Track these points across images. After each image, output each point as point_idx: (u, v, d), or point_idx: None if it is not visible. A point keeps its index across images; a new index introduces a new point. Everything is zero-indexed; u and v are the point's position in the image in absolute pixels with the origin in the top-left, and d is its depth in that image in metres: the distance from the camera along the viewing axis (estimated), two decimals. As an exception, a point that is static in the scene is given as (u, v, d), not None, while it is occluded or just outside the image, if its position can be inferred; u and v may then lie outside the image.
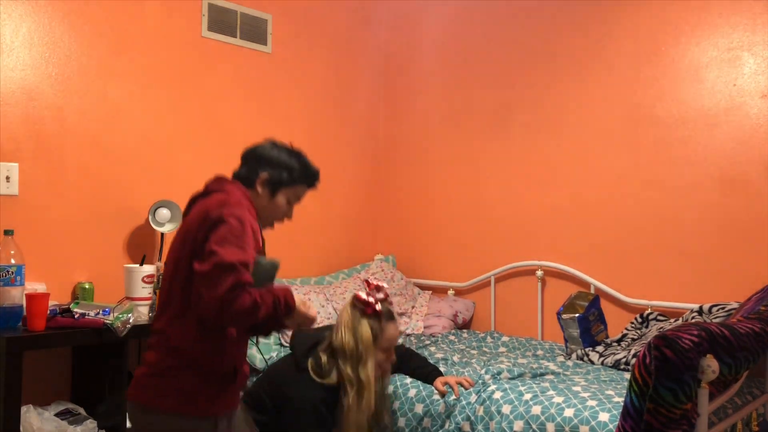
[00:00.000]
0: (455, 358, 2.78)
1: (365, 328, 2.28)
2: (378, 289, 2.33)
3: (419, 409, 2.41)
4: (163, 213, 2.87)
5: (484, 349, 3.12)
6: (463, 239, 3.71)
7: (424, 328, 3.35)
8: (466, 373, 2.49)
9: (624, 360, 2.65)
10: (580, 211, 3.28)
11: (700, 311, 2.68)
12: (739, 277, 2.78)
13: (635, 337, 2.87)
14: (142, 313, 2.62)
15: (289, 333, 2.61)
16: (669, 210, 3.02)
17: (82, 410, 2.50)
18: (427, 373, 2.49)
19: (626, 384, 1.83)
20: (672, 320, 2.87)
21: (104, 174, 2.85)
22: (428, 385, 2.45)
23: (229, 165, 2.00)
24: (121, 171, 2.90)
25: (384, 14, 4.09)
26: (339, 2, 3.85)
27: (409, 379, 2.51)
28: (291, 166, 1.94)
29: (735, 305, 2.60)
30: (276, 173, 1.92)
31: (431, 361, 2.63)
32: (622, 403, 1.66)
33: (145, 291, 2.66)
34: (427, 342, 3.13)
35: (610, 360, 2.70)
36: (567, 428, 2.07)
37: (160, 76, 3.03)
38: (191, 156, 3.09)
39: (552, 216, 3.37)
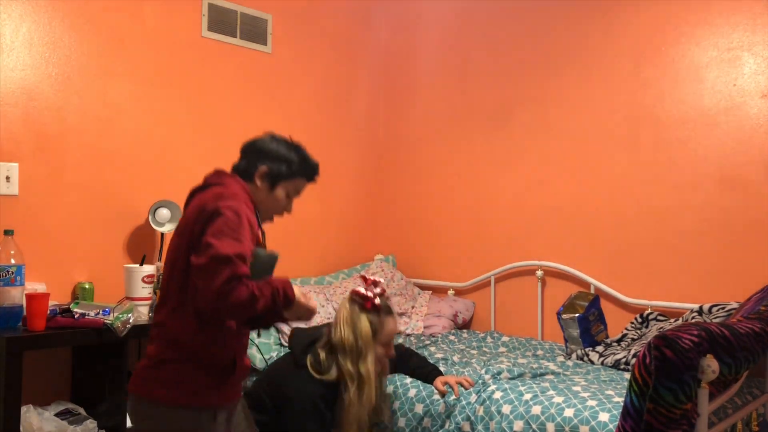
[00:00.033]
0: (455, 358, 2.78)
1: (364, 323, 2.29)
2: (375, 284, 2.34)
3: (419, 409, 2.41)
4: (163, 213, 2.87)
5: (484, 349, 3.12)
6: (463, 239, 3.71)
7: (424, 328, 3.35)
8: (466, 373, 2.49)
9: (624, 360, 2.65)
10: (580, 211, 3.28)
11: (700, 311, 2.68)
12: (739, 277, 2.78)
13: (635, 337, 2.87)
14: (142, 313, 2.62)
15: (289, 329, 2.63)
16: (669, 210, 3.02)
17: (82, 410, 2.50)
18: (426, 372, 2.50)
19: (626, 384, 1.83)
20: (672, 320, 2.87)
21: (104, 174, 2.85)
22: (428, 385, 2.45)
23: (229, 165, 2.00)
24: (121, 171, 2.90)
25: (384, 14, 4.09)
26: (339, 2, 3.85)
27: (409, 379, 2.51)
28: (290, 159, 1.93)
29: (735, 305, 2.60)
30: (275, 166, 1.92)
31: (431, 361, 2.63)
32: (622, 403, 1.66)
33: (145, 291, 2.66)
34: (427, 342, 3.13)
35: (610, 360, 2.70)
36: (567, 428, 2.07)
37: (160, 76, 3.03)
38: (191, 156, 3.09)
39: (552, 216, 3.37)
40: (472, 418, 2.27)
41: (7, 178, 2.57)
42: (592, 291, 3.16)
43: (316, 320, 2.85)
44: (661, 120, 3.06)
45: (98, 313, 2.41)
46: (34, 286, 2.49)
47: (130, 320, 2.41)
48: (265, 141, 1.96)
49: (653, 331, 2.83)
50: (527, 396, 2.23)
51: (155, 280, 2.70)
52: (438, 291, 3.75)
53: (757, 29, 2.83)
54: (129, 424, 2.45)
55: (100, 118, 2.84)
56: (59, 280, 2.68)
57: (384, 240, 4.03)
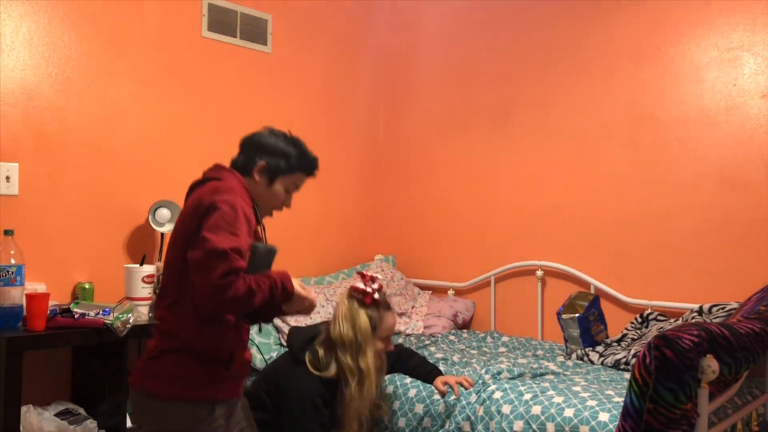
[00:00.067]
0: (455, 358, 2.78)
1: (363, 318, 2.30)
2: (373, 280, 2.36)
3: (419, 409, 2.41)
4: (163, 213, 2.87)
5: (484, 349, 3.12)
6: (463, 239, 3.71)
7: (424, 328, 3.35)
8: (466, 373, 2.49)
9: (624, 360, 2.65)
10: (580, 211, 3.28)
11: (700, 311, 2.68)
12: (739, 277, 2.78)
13: (635, 337, 2.87)
14: (142, 313, 2.62)
15: (289, 328, 2.64)
16: (669, 210, 3.02)
17: (82, 410, 2.50)
18: (426, 372, 2.50)
19: (626, 384, 1.83)
20: (672, 320, 2.87)
21: (104, 174, 2.85)
22: (428, 385, 2.45)
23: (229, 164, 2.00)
24: (121, 171, 2.90)
25: (384, 14, 4.09)
26: (339, 2, 3.85)
27: (409, 379, 2.51)
28: (288, 153, 1.93)
29: (735, 305, 2.60)
30: (273, 161, 1.91)
31: (431, 361, 2.63)
32: (622, 403, 1.66)
33: (145, 291, 2.65)
34: (427, 342, 3.13)
35: (610, 360, 2.70)
36: (567, 428, 2.07)
37: (160, 76, 3.03)
38: (191, 156, 3.09)
39: (552, 216, 3.37)
40: (472, 418, 2.27)
41: (7, 178, 2.57)
42: (592, 291, 3.16)
43: (317, 320, 2.86)
44: (661, 120, 3.06)
45: (98, 313, 2.41)
46: (34, 286, 2.48)
47: (130, 320, 2.41)
48: (263, 135, 1.95)
49: (653, 331, 2.83)
50: (527, 396, 2.23)
51: (155, 280, 2.70)
52: (438, 291, 3.75)
53: (757, 29, 2.83)
54: (129, 424, 2.46)
55: (100, 118, 2.84)
56: (59, 280, 2.68)
57: (384, 240, 4.03)
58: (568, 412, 2.10)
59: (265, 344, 2.85)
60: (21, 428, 2.22)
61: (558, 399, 2.17)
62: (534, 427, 2.13)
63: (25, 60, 2.63)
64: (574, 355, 2.86)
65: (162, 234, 2.92)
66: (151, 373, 1.76)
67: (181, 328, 1.75)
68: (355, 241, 3.92)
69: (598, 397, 2.15)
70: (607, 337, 2.97)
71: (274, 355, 2.83)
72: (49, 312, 2.35)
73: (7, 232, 2.36)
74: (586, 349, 2.84)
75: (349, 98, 3.93)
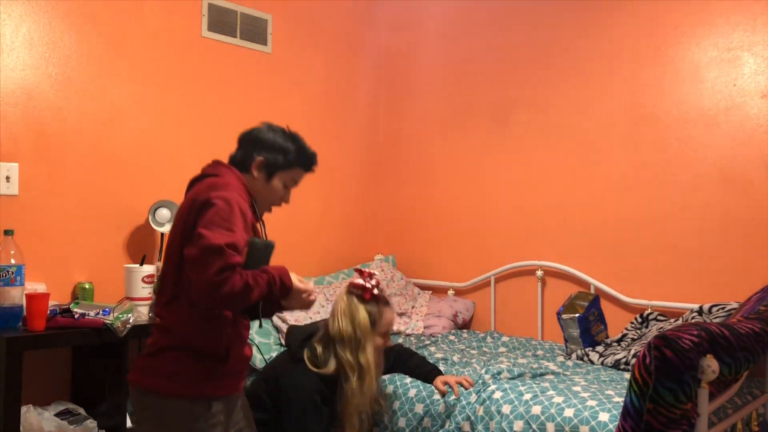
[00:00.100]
0: (455, 358, 2.78)
1: (362, 313, 2.31)
2: (371, 276, 2.37)
3: (419, 409, 2.41)
4: (163, 213, 2.87)
5: (484, 349, 3.12)
6: (463, 239, 3.71)
7: (424, 328, 3.35)
8: (466, 373, 2.49)
9: (624, 360, 2.65)
10: (580, 211, 3.28)
11: (700, 311, 2.68)
12: (739, 277, 2.78)
13: (635, 337, 2.87)
14: (142, 313, 2.62)
15: (287, 326, 2.64)
16: (669, 210, 3.02)
17: (82, 410, 2.50)
18: (426, 372, 2.50)
19: (626, 384, 1.83)
20: (672, 320, 2.87)
21: (104, 174, 2.85)
22: (428, 385, 2.45)
23: (229, 165, 2.00)
24: (121, 171, 2.90)
25: (384, 14, 4.09)
26: (339, 2, 3.85)
27: (409, 379, 2.51)
28: (287, 149, 1.92)
29: (735, 305, 2.60)
30: (271, 157, 1.91)
31: (431, 361, 2.63)
32: (622, 403, 1.66)
33: (145, 291, 2.65)
34: (427, 342, 3.13)
35: (610, 360, 2.70)
36: (567, 428, 2.07)
37: (160, 76, 3.03)
38: (191, 156, 3.06)
39: (552, 216, 3.37)
40: (472, 418, 2.27)
41: (7, 178, 2.57)
42: (592, 291, 3.16)
43: (317, 320, 2.86)
44: (661, 120, 3.06)
45: (98, 313, 2.41)
46: (34, 286, 2.48)
47: (130, 320, 2.41)
48: (261, 131, 1.95)
49: (653, 331, 2.83)
50: (527, 396, 2.23)
51: (155, 280, 2.70)
52: (438, 291, 3.74)
53: (757, 29, 2.83)
54: (129, 424, 2.46)
55: (100, 118, 2.84)
56: (59, 280, 2.67)
57: (384, 240, 4.03)
58: (568, 412, 2.10)
59: (265, 344, 2.85)
60: (21, 428, 2.22)
61: (558, 399, 2.17)
62: (534, 427, 2.13)
63: (25, 60, 2.63)
64: (574, 355, 2.86)
65: (162, 234, 2.92)
66: (149, 370, 1.77)
67: (179, 325, 1.75)
68: (355, 241, 3.92)
69: (598, 397, 2.15)
70: (607, 337, 2.97)
71: (274, 355, 2.83)
72: (49, 312, 2.35)
73: (7, 232, 2.36)
74: (586, 349, 2.84)
75: (349, 98, 3.93)
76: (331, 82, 3.80)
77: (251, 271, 1.70)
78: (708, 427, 1.66)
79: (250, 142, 1.94)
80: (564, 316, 2.90)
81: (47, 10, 2.69)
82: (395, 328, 3.26)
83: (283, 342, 2.89)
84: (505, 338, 3.26)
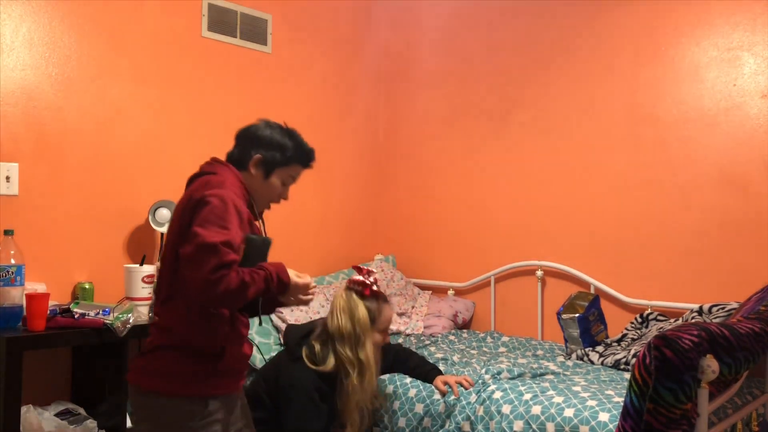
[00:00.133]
0: (455, 358, 2.78)
1: (362, 310, 2.32)
2: (369, 273, 2.38)
3: (419, 409, 2.41)
4: (163, 213, 2.87)
5: (484, 349, 3.12)
6: (463, 239, 3.71)
7: (424, 328, 3.35)
8: (466, 373, 2.49)
9: (624, 360, 2.65)
10: (579, 211, 3.28)
11: (700, 311, 2.68)
12: (739, 277, 2.78)
13: (635, 337, 2.87)
14: (142, 313, 2.62)
15: (286, 322, 2.65)
16: (669, 210, 3.02)
17: (82, 410, 2.50)
18: (426, 371, 2.50)
19: (626, 384, 1.83)
20: (672, 320, 2.87)
21: (104, 174, 2.85)
22: (428, 385, 2.45)
23: (229, 165, 2.00)
24: (121, 171, 2.90)
25: (384, 14, 4.09)
26: (339, 2, 3.85)
27: (409, 379, 2.51)
28: (284, 146, 1.92)
29: (735, 305, 2.60)
30: (269, 154, 1.90)
31: (431, 361, 2.63)
32: (622, 403, 1.66)
33: (145, 291, 2.66)
34: (427, 342, 3.13)
35: (610, 360, 2.70)
36: (567, 428, 2.07)
37: (160, 76, 3.03)
38: (191, 156, 3.06)
39: (552, 216, 3.37)
40: (472, 418, 2.27)
41: (7, 178, 2.57)
42: (592, 291, 3.16)
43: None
44: (661, 120, 3.06)
45: (98, 313, 2.41)
46: (34, 286, 2.48)
47: (130, 320, 2.41)
48: (258, 128, 1.94)
49: (653, 331, 2.83)
50: (527, 396, 2.23)
51: (155, 280, 2.70)
52: (438, 291, 3.74)
53: (757, 29, 2.83)
54: (129, 424, 2.46)
55: (100, 118, 2.84)
56: (59, 280, 2.67)
57: (384, 240, 4.03)
58: (568, 412, 2.10)
59: (265, 344, 2.85)
60: (21, 428, 2.22)
61: (558, 399, 2.17)
62: (534, 427, 2.13)
63: (25, 60, 2.63)
64: (574, 355, 2.86)
65: (162, 234, 2.92)
66: (145, 370, 1.77)
67: (175, 324, 1.75)
68: (355, 241, 3.92)
69: (598, 397, 2.14)
70: (607, 337, 2.97)
71: (274, 355, 2.83)
72: (49, 312, 2.35)
73: (7, 232, 2.36)
74: (586, 349, 2.84)
75: (349, 98, 3.93)
76: (331, 82, 3.80)
77: (248, 268, 1.70)
78: (708, 427, 1.66)
79: (248, 139, 1.93)
80: (564, 316, 2.90)
81: (47, 10, 2.69)
82: (395, 328, 3.26)
83: (282, 342, 2.89)
84: (505, 338, 3.26)
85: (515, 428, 2.16)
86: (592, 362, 2.76)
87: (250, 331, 2.85)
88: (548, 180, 3.40)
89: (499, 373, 2.44)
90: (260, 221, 1.96)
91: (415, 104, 3.95)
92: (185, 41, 3.13)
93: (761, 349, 1.81)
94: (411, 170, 3.94)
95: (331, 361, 2.31)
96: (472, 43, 3.73)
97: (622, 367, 2.64)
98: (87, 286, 2.70)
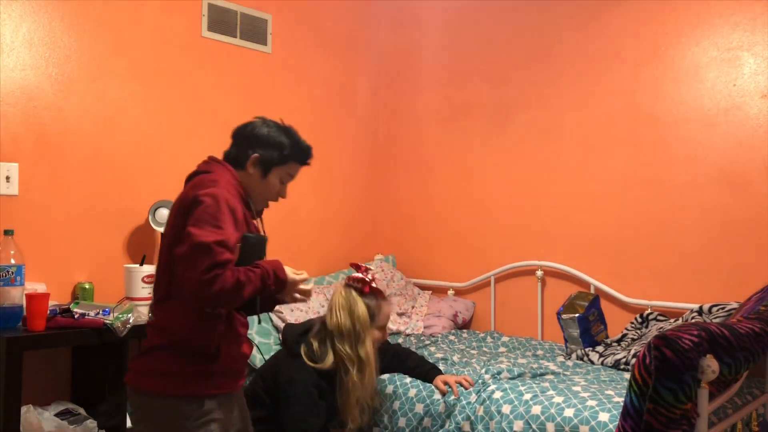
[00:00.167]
0: (455, 358, 2.78)
1: (361, 307, 2.33)
2: (366, 270, 2.40)
3: (419, 409, 2.41)
4: (163, 213, 2.87)
5: (484, 349, 3.12)
6: (463, 239, 3.71)
7: (424, 328, 3.35)
8: (466, 373, 2.49)
9: (624, 360, 2.65)
10: (579, 211, 3.28)
11: (700, 311, 2.68)
12: (739, 277, 2.78)
13: (635, 337, 2.87)
14: (142, 313, 2.62)
15: (286, 322, 2.65)
16: (669, 210, 3.02)
17: (82, 410, 2.50)
18: (426, 371, 2.50)
19: (626, 384, 1.83)
20: (672, 320, 2.87)
21: (104, 174, 2.85)
22: (428, 385, 2.45)
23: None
24: (121, 171, 2.90)
25: (384, 14, 4.09)
26: (339, 2, 3.85)
27: (408, 379, 2.51)
28: (282, 144, 1.91)
29: (735, 305, 2.60)
30: (267, 153, 1.89)
31: (431, 361, 2.63)
32: (622, 403, 1.66)
33: (145, 291, 2.65)
34: (427, 342, 3.13)
35: (610, 360, 2.70)
36: (567, 428, 2.07)
37: (160, 76, 3.03)
38: (191, 156, 3.04)
39: (552, 216, 3.37)
40: (472, 418, 2.27)
41: (7, 178, 2.57)
42: (592, 291, 3.16)
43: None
44: (661, 120, 3.06)
45: (98, 313, 2.41)
46: (34, 286, 2.48)
47: (130, 320, 2.41)
48: (256, 126, 1.93)
49: (653, 331, 2.83)
50: (527, 396, 2.23)
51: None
52: (438, 291, 3.74)
53: (757, 29, 2.83)
54: (129, 424, 2.46)
55: (100, 118, 2.84)
56: (59, 280, 2.67)
57: (384, 240, 4.03)
58: (568, 412, 2.10)
59: (264, 344, 2.85)
60: (21, 428, 2.22)
61: (558, 399, 2.17)
62: (534, 427, 2.13)
63: (25, 60, 2.63)
64: (574, 355, 2.86)
65: (162, 234, 2.92)
66: (142, 371, 1.77)
67: (171, 324, 1.75)
68: (355, 241, 3.92)
69: (598, 397, 2.14)
70: (607, 337, 2.97)
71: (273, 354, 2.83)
72: (49, 312, 2.35)
73: (7, 232, 2.36)
74: (586, 349, 2.84)
75: (349, 98, 3.93)
76: (331, 82, 3.80)
77: (243, 267, 1.69)
78: (708, 427, 1.66)
79: (245, 138, 1.92)
80: (564, 316, 2.90)
81: (47, 10, 2.69)
82: (395, 328, 3.26)
83: (281, 341, 2.89)
84: (505, 338, 3.26)
85: (515, 428, 2.16)
86: (592, 362, 2.76)
87: (250, 331, 2.86)
88: (548, 180, 3.40)
89: (499, 373, 2.44)
90: (259, 220, 1.95)
91: (415, 104, 3.95)
92: (185, 41, 3.13)
93: (761, 349, 1.81)
94: (411, 170, 3.94)
95: (329, 359, 2.31)
96: (472, 43, 3.73)
97: (622, 367, 2.64)
98: (87, 286, 2.70)
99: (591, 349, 2.84)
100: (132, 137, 2.94)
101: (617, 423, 1.66)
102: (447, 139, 3.79)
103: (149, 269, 2.68)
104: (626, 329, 2.95)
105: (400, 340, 3.11)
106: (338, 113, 3.86)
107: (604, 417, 2.03)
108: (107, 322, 2.37)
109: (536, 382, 2.37)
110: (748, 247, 2.80)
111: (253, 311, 1.88)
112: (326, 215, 3.76)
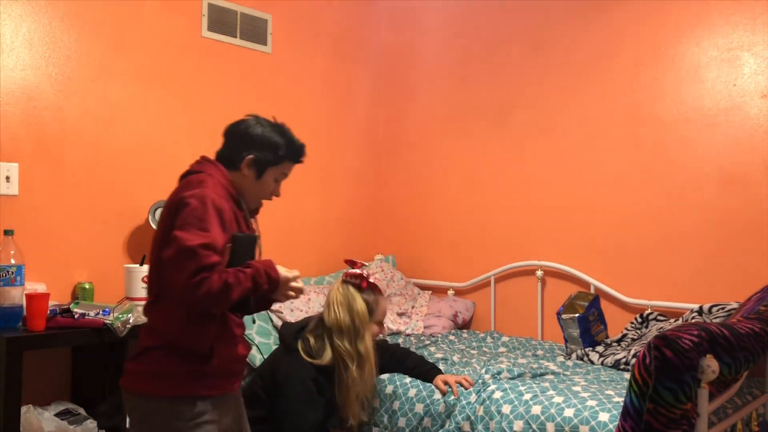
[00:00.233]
0: (455, 358, 2.78)
1: (360, 302, 2.34)
2: (362, 265, 2.44)
3: (419, 408, 2.41)
4: (163, 213, 2.87)
5: (484, 349, 3.12)
6: (463, 239, 3.71)
7: (424, 328, 3.35)
8: (466, 373, 2.49)
9: (624, 360, 2.65)
10: (580, 211, 3.28)
11: (700, 311, 2.68)
12: (739, 277, 2.78)
13: (635, 337, 2.87)
14: (142, 313, 2.62)
15: (282, 318, 2.65)
16: (669, 210, 3.02)
17: (82, 410, 2.50)
18: (426, 371, 2.50)
19: (626, 384, 1.83)
20: (672, 320, 2.87)
21: (104, 174, 2.85)
22: (428, 385, 2.45)
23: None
24: (121, 171, 2.90)
25: (384, 14, 4.09)
26: (339, 2, 3.85)
27: (408, 379, 2.51)
28: (277, 144, 1.88)
29: (735, 305, 2.60)
30: (262, 154, 1.87)
31: (431, 361, 2.63)
32: (622, 403, 1.66)
33: (144, 291, 2.65)
34: (427, 342, 3.13)
35: (610, 360, 2.70)
36: (567, 428, 2.07)
37: (160, 76, 3.03)
38: (191, 156, 3.03)
39: (552, 216, 3.37)
40: (472, 417, 2.27)
41: (7, 178, 2.57)
42: (592, 291, 3.16)
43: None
44: (661, 120, 3.06)
45: (98, 313, 2.41)
46: (34, 286, 2.48)
47: (130, 320, 2.41)
48: (249, 125, 1.90)
49: (653, 331, 2.83)
50: (527, 396, 2.23)
51: (154, 280, 2.70)
52: (438, 291, 3.74)
53: (757, 29, 2.83)
54: (129, 424, 2.46)
55: (100, 118, 2.84)
56: (59, 280, 2.67)
57: (384, 240, 4.03)
58: (568, 412, 2.10)
59: (265, 344, 2.85)
60: (21, 428, 2.22)
61: (558, 399, 2.17)
62: (534, 427, 2.13)
63: (25, 60, 2.63)
64: (574, 355, 2.86)
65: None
66: (135, 372, 1.76)
67: (163, 325, 1.74)
68: (355, 241, 3.92)
69: (598, 397, 2.14)
70: (607, 337, 2.97)
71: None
72: (49, 312, 2.35)
73: (7, 232, 2.36)
74: (586, 349, 2.84)
75: (349, 98, 3.93)
76: (331, 82, 3.80)
77: (233, 268, 1.68)
78: (708, 427, 1.66)
79: (238, 137, 1.89)
80: (564, 316, 2.90)
81: (47, 10, 2.69)
82: (395, 328, 3.26)
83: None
84: (505, 338, 3.26)
85: (515, 428, 2.16)
86: (592, 362, 2.76)
87: (249, 331, 2.86)
88: (548, 180, 3.40)
89: (499, 373, 2.44)
90: (253, 220, 1.94)
91: (415, 104, 3.95)
92: (185, 41, 3.13)
93: (761, 349, 1.81)
94: (411, 170, 3.94)
95: (328, 355, 2.32)
96: (472, 43, 3.73)
97: (622, 367, 2.64)
98: (87, 286, 2.70)
99: (591, 349, 2.84)
100: (132, 137, 2.94)
101: (617, 423, 1.66)
102: (447, 139, 3.79)
103: (149, 269, 2.68)
104: (626, 329, 2.95)
105: (400, 340, 3.11)
106: (338, 113, 3.86)
107: (604, 417, 2.03)
108: (107, 322, 2.37)
109: (536, 382, 2.37)
110: (748, 247, 2.80)
111: (246, 311, 1.87)
112: (326, 215, 3.76)
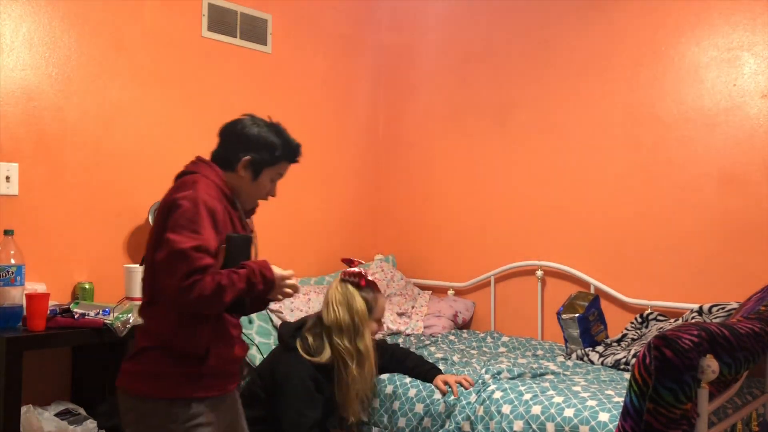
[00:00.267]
0: (455, 358, 2.78)
1: (359, 300, 2.35)
2: (359, 264, 2.45)
3: (419, 408, 2.41)
4: (163, 213, 2.87)
5: (484, 349, 3.12)
6: (463, 239, 3.71)
7: (424, 328, 3.35)
8: (466, 373, 2.49)
9: (624, 360, 2.65)
10: (580, 211, 3.28)
11: (700, 311, 2.68)
12: (739, 277, 2.78)
13: (635, 337, 2.87)
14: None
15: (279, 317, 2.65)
16: (669, 210, 3.02)
17: (82, 410, 2.50)
18: (425, 371, 2.50)
19: (626, 384, 1.83)
20: (672, 320, 2.87)
21: (104, 174, 2.85)
22: (428, 385, 2.45)
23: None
24: (121, 171, 2.90)
25: (384, 14, 4.09)
26: (339, 2, 3.85)
27: (408, 379, 2.51)
28: (273, 145, 1.87)
29: (735, 305, 2.60)
30: (258, 156, 1.85)
31: (430, 361, 2.63)
32: (622, 403, 1.66)
33: (145, 291, 2.66)
34: (427, 342, 3.12)
35: (610, 360, 2.70)
36: (567, 428, 2.06)
37: (160, 76, 3.03)
38: (191, 156, 3.05)
39: (552, 216, 3.37)
40: (472, 417, 2.27)
41: (7, 178, 2.57)
42: (592, 291, 3.16)
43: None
44: (660, 120, 3.06)
45: (98, 313, 2.41)
46: (34, 286, 2.48)
47: (130, 320, 2.41)
48: (245, 125, 1.88)
49: (653, 331, 2.83)
50: (527, 396, 2.23)
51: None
52: (438, 291, 3.74)
53: (757, 29, 2.83)
54: (124, 424, 2.46)
55: (100, 118, 2.84)
56: (59, 280, 2.67)
57: (384, 240, 4.03)
58: (568, 412, 2.10)
59: (265, 344, 2.85)
60: (21, 428, 2.22)
61: (558, 399, 2.17)
62: (534, 427, 2.13)
63: (25, 60, 2.63)
64: (574, 355, 2.86)
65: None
66: (131, 373, 1.76)
67: (157, 326, 1.74)
68: (355, 241, 3.92)
69: (598, 397, 2.14)
70: (607, 337, 2.97)
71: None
72: (49, 312, 2.35)
73: (7, 232, 2.36)
74: (586, 349, 2.84)
75: (349, 98, 3.93)
76: (331, 82, 3.80)
77: (227, 270, 1.67)
78: (708, 427, 1.66)
79: (235, 137, 1.88)
80: (564, 316, 2.90)
81: (47, 10, 2.69)
82: (395, 328, 3.26)
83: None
84: (505, 338, 3.26)
85: (515, 428, 2.16)
86: (592, 362, 2.76)
87: (249, 331, 2.86)
88: (548, 180, 3.40)
89: (499, 373, 2.44)
90: (249, 220, 1.94)
91: (415, 104, 3.95)
92: (185, 41, 3.13)
93: (761, 349, 1.81)
94: (411, 170, 3.94)
95: (327, 353, 2.32)
96: (472, 43, 3.73)
97: (622, 367, 2.64)
98: (87, 286, 2.70)
99: (591, 349, 2.84)
100: (132, 137, 2.94)
101: (617, 423, 1.66)
102: (447, 139, 3.79)
103: (149, 269, 2.68)
104: (626, 329, 2.95)
105: (400, 341, 3.11)
106: (338, 113, 3.86)
107: (604, 417, 2.03)
108: (107, 322, 2.37)
109: (536, 382, 2.36)
110: (748, 248, 2.80)
111: (242, 312, 1.86)
112: (326, 215, 3.76)
